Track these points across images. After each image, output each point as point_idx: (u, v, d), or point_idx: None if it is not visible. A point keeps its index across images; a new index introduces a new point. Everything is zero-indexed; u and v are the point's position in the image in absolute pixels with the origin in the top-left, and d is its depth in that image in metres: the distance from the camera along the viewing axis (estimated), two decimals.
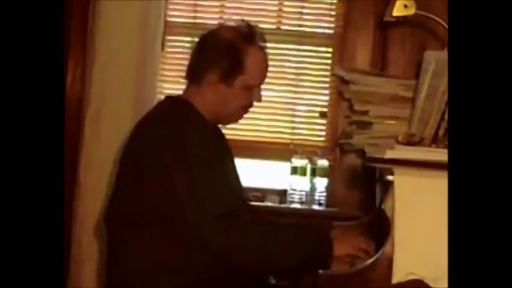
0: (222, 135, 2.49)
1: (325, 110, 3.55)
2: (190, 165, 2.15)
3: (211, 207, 2.12)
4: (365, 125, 2.73)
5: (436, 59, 2.19)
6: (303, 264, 2.22)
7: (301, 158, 3.42)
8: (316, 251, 2.20)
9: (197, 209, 2.13)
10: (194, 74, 2.33)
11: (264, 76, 2.37)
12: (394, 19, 2.34)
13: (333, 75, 3.48)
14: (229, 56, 2.28)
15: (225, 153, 2.44)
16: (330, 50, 3.56)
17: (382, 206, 2.10)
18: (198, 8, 3.58)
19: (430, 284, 1.96)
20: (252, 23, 2.39)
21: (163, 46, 3.53)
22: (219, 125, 2.46)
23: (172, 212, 2.16)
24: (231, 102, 2.32)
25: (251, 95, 2.34)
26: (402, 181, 2.00)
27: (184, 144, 2.18)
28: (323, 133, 3.56)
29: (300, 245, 2.19)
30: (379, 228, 2.25)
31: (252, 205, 2.74)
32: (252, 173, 3.54)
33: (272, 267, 2.26)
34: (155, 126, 2.26)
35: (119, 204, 2.28)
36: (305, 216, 3.34)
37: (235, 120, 2.42)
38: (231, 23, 2.38)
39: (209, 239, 2.12)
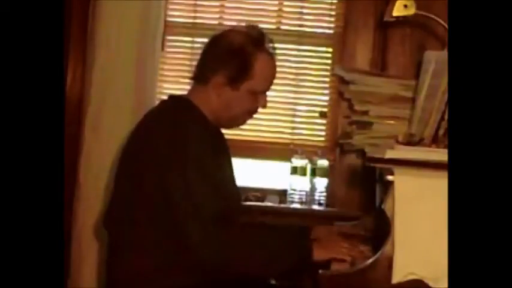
0: (221, 134, 2.49)
1: (325, 110, 3.54)
2: (185, 167, 2.15)
3: (202, 211, 2.13)
4: (365, 125, 2.73)
5: (436, 59, 2.19)
6: (286, 268, 2.23)
7: (301, 158, 3.41)
8: (297, 254, 2.21)
9: (189, 212, 2.13)
10: (201, 74, 2.34)
11: (271, 82, 2.38)
12: (394, 19, 2.35)
13: (333, 75, 3.48)
14: (238, 60, 2.28)
15: (222, 153, 2.43)
16: (330, 50, 3.56)
17: (382, 206, 2.10)
18: (198, 8, 3.58)
19: (430, 284, 1.96)
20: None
21: (163, 46, 3.53)
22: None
23: (169, 213, 2.16)
24: (235, 106, 2.32)
25: (256, 100, 2.35)
26: (402, 181, 2.00)
27: (181, 145, 2.18)
28: (323, 133, 3.56)
29: (282, 249, 2.20)
30: (379, 228, 2.25)
31: (246, 205, 2.73)
32: (252, 173, 3.54)
33: (256, 271, 2.25)
34: (153, 126, 2.27)
35: (119, 203, 2.28)
36: (305, 216, 3.34)
37: (238, 125, 2.43)
38: (242, 27, 2.38)
39: (195, 245, 2.13)
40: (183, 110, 2.29)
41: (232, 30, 2.40)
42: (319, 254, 2.20)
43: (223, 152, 2.46)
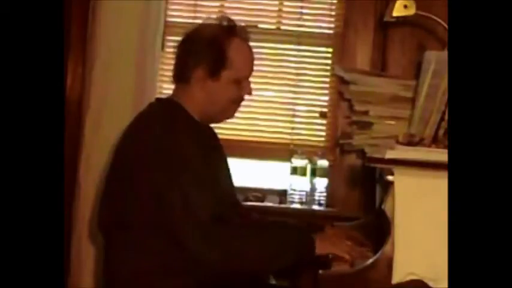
0: (214, 134, 2.49)
1: (325, 110, 3.55)
2: (176, 168, 2.16)
3: (195, 213, 2.13)
4: (365, 125, 2.73)
5: (436, 59, 2.19)
6: (287, 264, 2.23)
7: (301, 158, 3.42)
8: (299, 250, 2.21)
9: (183, 213, 2.13)
10: (181, 73, 2.34)
11: (251, 68, 2.38)
12: (394, 19, 2.35)
13: (333, 75, 3.48)
14: (212, 51, 2.29)
15: (215, 153, 2.43)
16: (330, 50, 3.56)
17: (382, 206, 2.10)
18: (198, 8, 3.58)
19: (430, 284, 1.96)
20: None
21: (163, 46, 3.53)
22: (214, 124, 2.46)
23: (163, 214, 2.16)
24: (219, 97, 2.32)
25: (240, 88, 2.34)
26: (402, 181, 2.00)
27: (170, 147, 2.18)
28: (323, 133, 3.56)
29: (282, 246, 2.21)
30: (379, 228, 2.25)
31: (242, 205, 2.73)
32: (252, 173, 3.54)
33: (256, 269, 2.26)
34: (142, 130, 2.27)
35: (111, 207, 2.27)
36: (305, 217, 3.34)
37: (228, 117, 2.41)
38: (212, 19, 2.40)
39: (192, 246, 2.13)
40: (170, 112, 2.30)
41: (203, 24, 2.42)
42: (321, 249, 2.21)
43: (216, 151, 2.45)
